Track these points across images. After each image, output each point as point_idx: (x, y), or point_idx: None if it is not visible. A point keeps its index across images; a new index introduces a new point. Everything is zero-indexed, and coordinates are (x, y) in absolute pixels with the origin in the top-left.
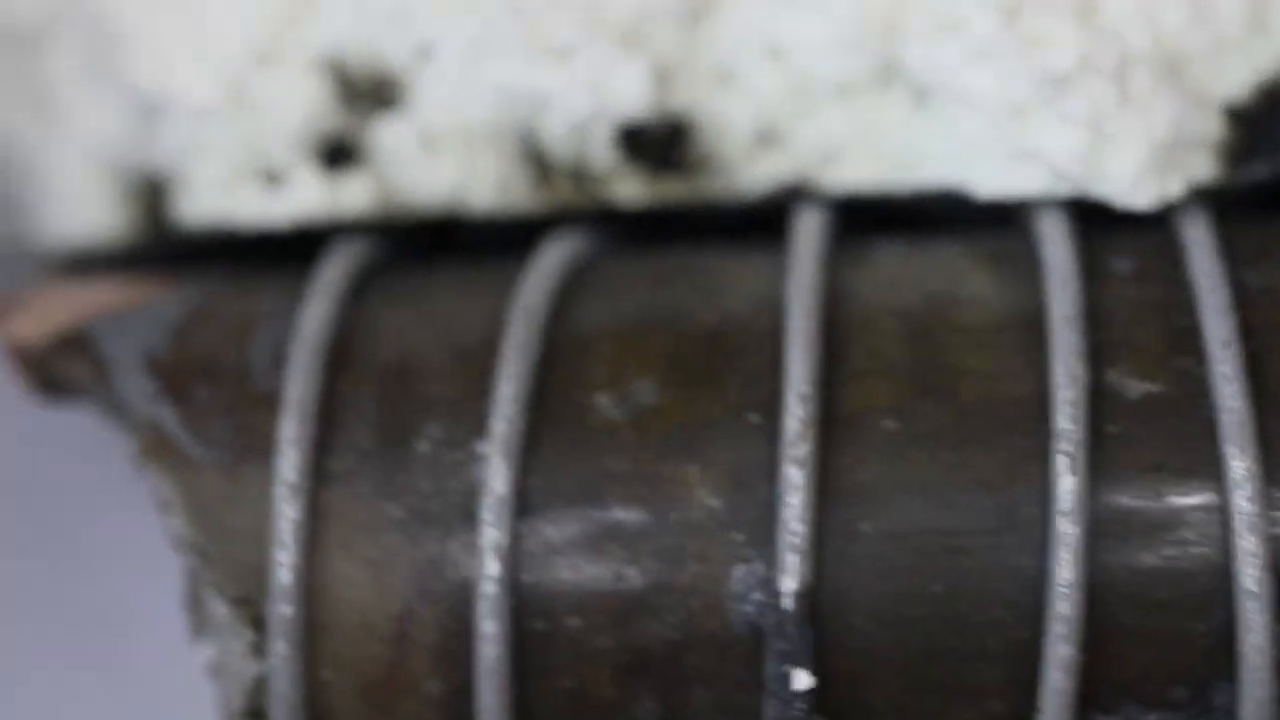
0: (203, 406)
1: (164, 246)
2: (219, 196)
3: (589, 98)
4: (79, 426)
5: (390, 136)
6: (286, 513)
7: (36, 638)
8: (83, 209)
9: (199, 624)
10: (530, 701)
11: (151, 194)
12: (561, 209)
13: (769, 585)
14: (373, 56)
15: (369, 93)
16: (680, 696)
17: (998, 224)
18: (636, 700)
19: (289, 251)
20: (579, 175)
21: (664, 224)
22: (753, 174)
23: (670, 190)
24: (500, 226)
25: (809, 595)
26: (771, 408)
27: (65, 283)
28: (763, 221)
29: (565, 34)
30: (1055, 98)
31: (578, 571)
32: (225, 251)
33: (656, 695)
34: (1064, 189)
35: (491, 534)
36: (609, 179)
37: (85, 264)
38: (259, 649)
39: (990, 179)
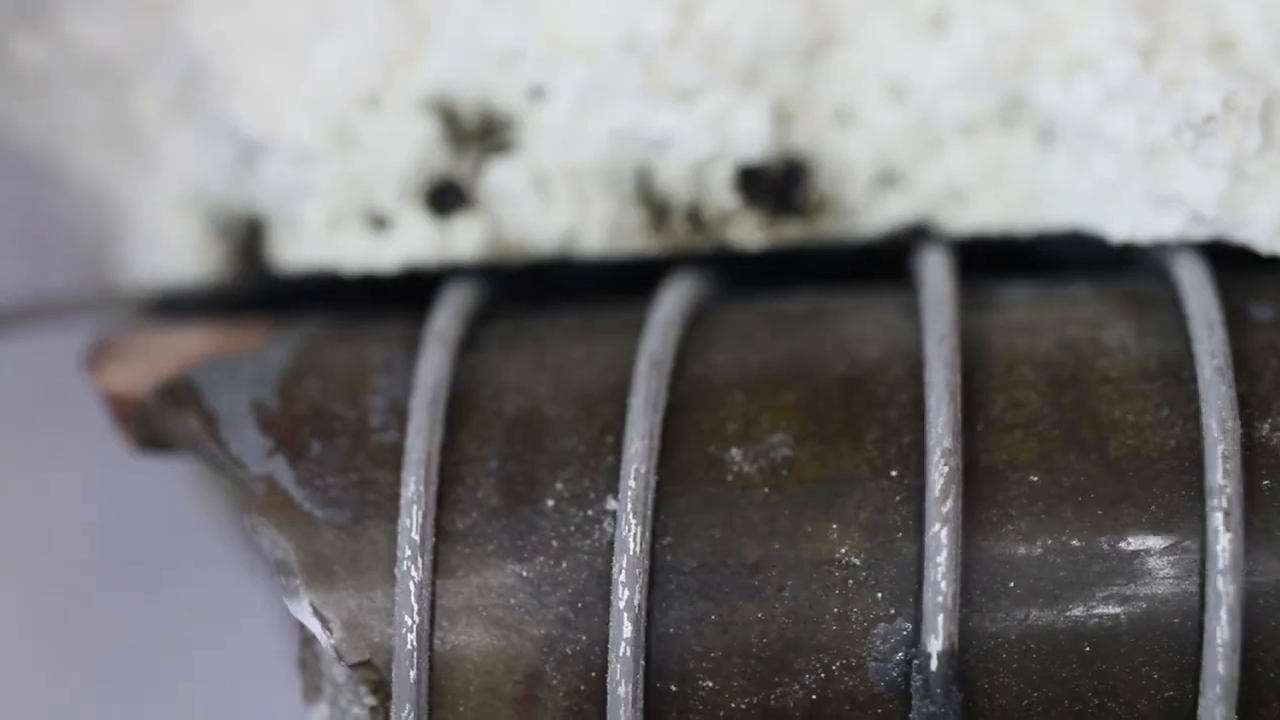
0: (319, 462)
1: (260, 289)
2: (322, 240)
3: (709, 139)
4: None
5: (501, 178)
6: (411, 573)
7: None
8: (174, 250)
9: (312, 687)
10: None
11: (247, 235)
12: (675, 251)
13: (913, 645)
14: (483, 98)
15: (478, 134)
16: None
17: (1121, 264)
18: None
19: (389, 293)
20: (696, 218)
21: (776, 263)
22: (874, 215)
23: (789, 232)
24: (608, 267)
25: (956, 656)
26: (912, 461)
27: (156, 326)
28: (876, 260)
29: (685, 75)
30: (1197, 141)
31: (712, 632)
32: (322, 294)
33: None
34: (1202, 233)
35: (625, 595)
36: (727, 221)
37: (175, 306)
38: (381, 714)
39: (1125, 222)
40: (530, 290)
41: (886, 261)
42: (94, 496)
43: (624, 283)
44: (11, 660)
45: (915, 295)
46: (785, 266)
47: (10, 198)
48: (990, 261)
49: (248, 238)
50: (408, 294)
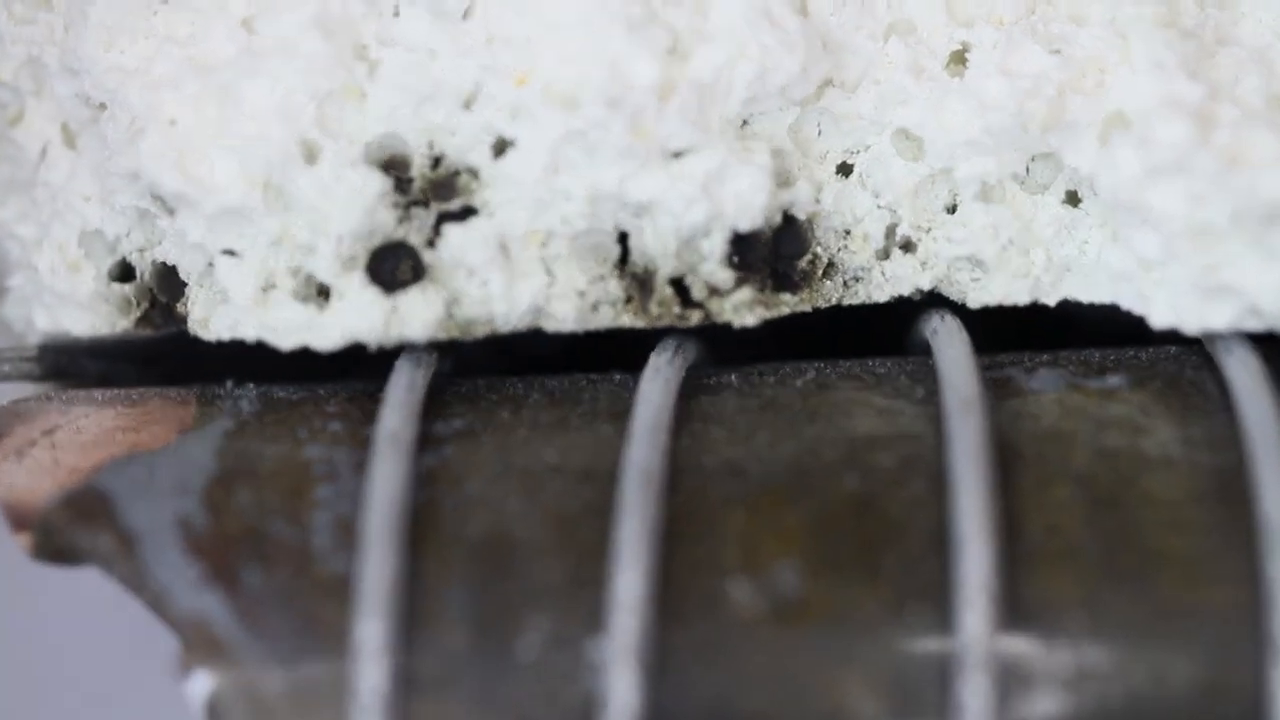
0: (257, 596)
1: (173, 346)
2: (252, 309)
3: (700, 205)
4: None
5: (458, 244)
6: None
7: None
8: (74, 303)
9: None
10: None
11: (161, 293)
12: (651, 326)
13: None
14: (437, 148)
15: (432, 191)
16: None
17: (1150, 336)
18: None
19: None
20: (683, 292)
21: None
22: (882, 282)
23: (787, 305)
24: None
25: None
26: (938, 597)
27: (58, 399)
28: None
29: (675, 130)
30: (1262, 229)
31: None
32: (241, 350)
33: None
34: (1256, 325)
35: None
36: (718, 297)
37: (76, 364)
38: None
39: (1167, 307)
40: (485, 352)
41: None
42: None
43: (593, 338)
44: None
45: (930, 382)
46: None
47: None
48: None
49: (161, 293)
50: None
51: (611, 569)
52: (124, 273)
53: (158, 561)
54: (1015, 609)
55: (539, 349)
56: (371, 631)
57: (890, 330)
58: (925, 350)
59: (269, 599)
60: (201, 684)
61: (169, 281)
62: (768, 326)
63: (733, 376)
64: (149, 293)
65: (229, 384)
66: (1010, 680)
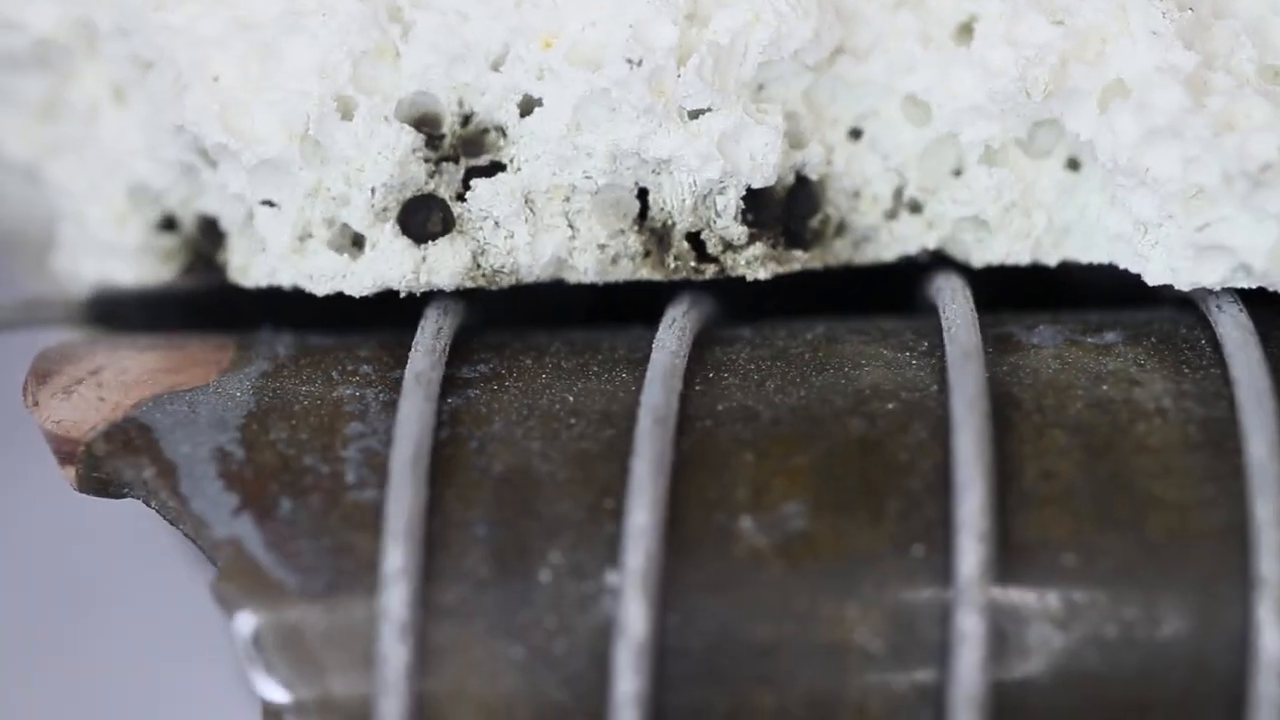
0: (290, 523)
1: (214, 297)
2: (288, 256)
3: (717, 162)
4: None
5: (486, 197)
6: (394, 654)
7: None
8: (121, 253)
9: None
10: None
11: (202, 242)
12: (668, 279)
13: None
14: (467, 106)
15: (461, 147)
16: None
17: (1147, 299)
18: None
19: (354, 303)
20: (699, 246)
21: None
22: (890, 242)
23: (798, 261)
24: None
25: None
26: (938, 538)
27: (103, 341)
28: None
29: (693, 91)
30: (1251, 190)
31: None
32: (280, 302)
33: None
34: (1247, 283)
35: (627, 682)
36: (733, 251)
37: (121, 315)
38: None
39: (1162, 265)
40: (510, 307)
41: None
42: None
43: (614, 297)
44: None
45: (935, 337)
46: (788, 283)
47: None
48: (1004, 279)
49: (202, 244)
50: (375, 302)
51: (625, 505)
52: (168, 224)
53: (196, 491)
54: (1010, 549)
55: (561, 305)
56: (395, 556)
57: (895, 297)
58: (930, 310)
59: (301, 526)
60: (235, 608)
61: (210, 232)
62: (780, 290)
63: (745, 330)
64: (191, 243)
65: (265, 331)
66: (1004, 617)
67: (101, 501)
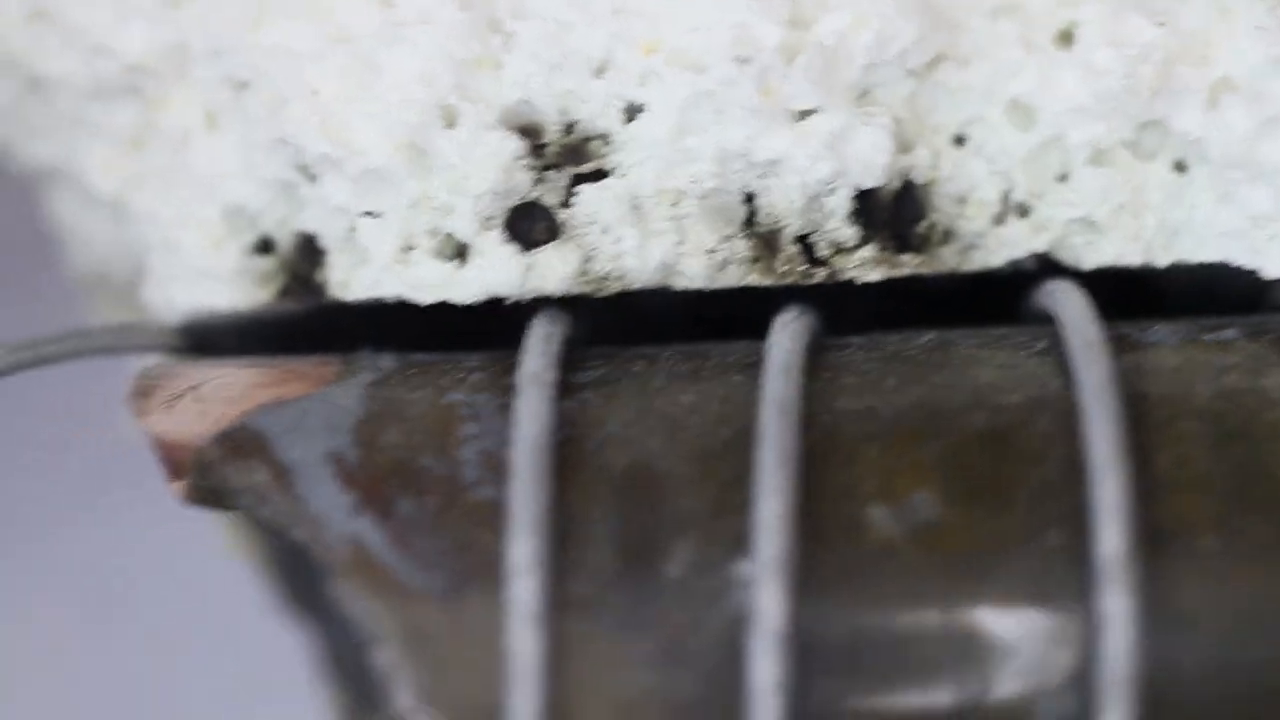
0: (409, 522)
1: (310, 324)
2: (392, 268)
3: (826, 162)
4: None
5: (592, 203)
6: (525, 647)
7: None
8: (216, 278)
9: None
10: None
11: (300, 263)
12: (776, 284)
13: None
14: (570, 114)
15: (565, 154)
16: None
17: (1252, 306)
18: None
19: (446, 330)
20: (808, 249)
21: (871, 297)
22: (998, 246)
23: (908, 265)
24: (688, 299)
25: None
26: (1074, 525)
27: (196, 362)
28: (975, 295)
29: (800, 92)
30: None
31: (860, 712)
32: (374, 331)
33: None
34: None
35: (767, 672)
36: (843, 254)
37: (215, 344)
38: None
39: None
40: (608, 325)
41: (988, 296)
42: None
43: (704, 317)
44: None
45: (1049, 339)
46: (883, 299)
47: (28, 224)
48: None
49: (299, 264)
50: (466, 330)
51: (753, 493)
52: (264, 246)
53: (312, 492)
54: (1149, 534)
55: (659, 329)
56: (523, 549)
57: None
58: (1037, 320)
59: (422, 524)
60: (356, 608)
61: (308, 252)
62: (878, 318)
63: (854, 339)
64: (288, 264)
65: (366, 352)
66: (1149, 599)
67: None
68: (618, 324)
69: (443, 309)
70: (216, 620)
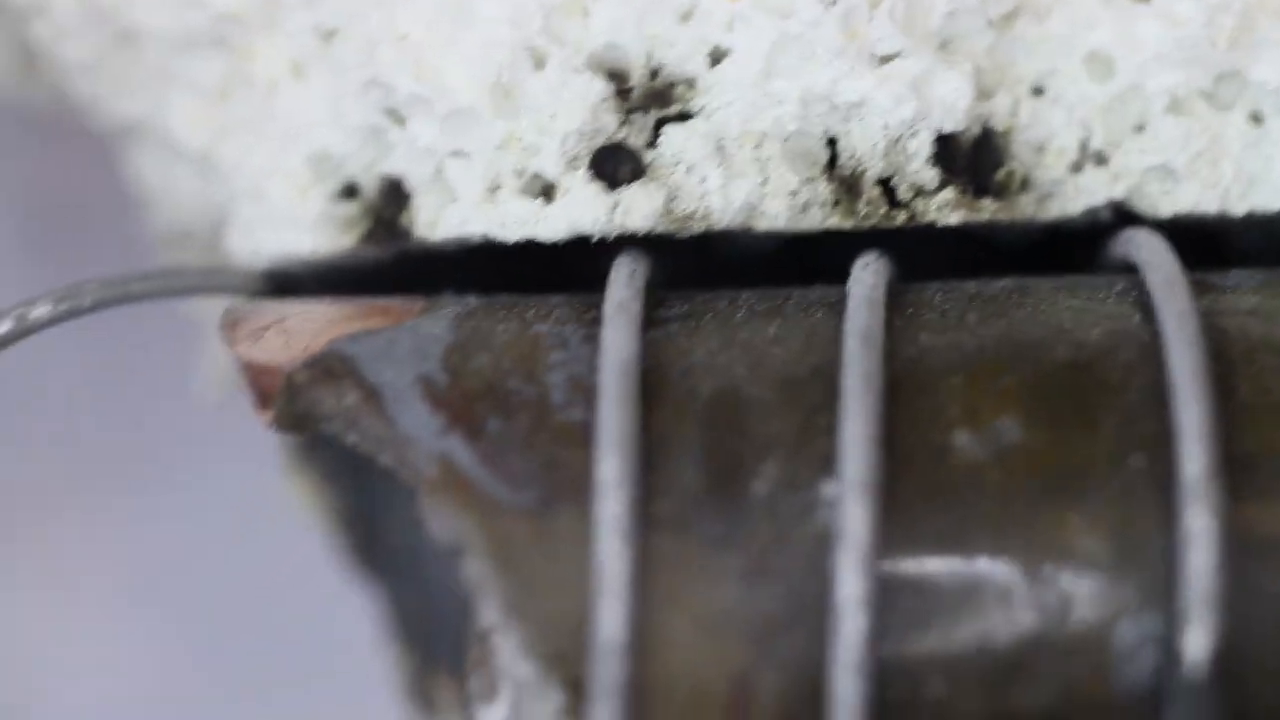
0: (499, 441)
1: (392, 268)
2: (479, 208)
3: (909, 106)
4: None
5: (677, 144)
6: (613, 561)
7: None
8: (301, 224)
9: (487, 687)
10: None
11: (385, 205)
12: (857, 227)
13: (1166, 645)
14: (657, 57)
15: (651, 96)
16: None
17: None
18: None
19: (525, 277)
20: (889, 192)
21: (942, 245)
22: (1075, 194)
23: (987, 210)
24: (762, 247)
25: (1219, 659)
26: (1157, 450)
27: (281, 301)
28: (1047, 249)
29: (884, 36)
30: None
31: (943, 630)
32: (458, 269)
33: None
34: None
35: (852, 586)
36: (923, 197)
37: (299, 288)
38: (572, 713)
39: None
40: (687, 272)
41: (1062, 251)
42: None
43: (782, 267)
44: None
45: (1128, 281)
46: (956, 254)
47: (112, 173)
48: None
49: (384, 209)
50: (545, 282)
51: (839, 416)
52: (349, 192)
53: (402, 413)
54: (1232, 459)
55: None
56: (612, 466)
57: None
58: (1114, 270)
59: (511, 443)
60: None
61: (393, 195)
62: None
63: (932, 283)
64: (373, 209)
65: (450, 294)
66: (1231, 521)
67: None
68: (697, 272)
69: (524, 258)
70: (274, 595)
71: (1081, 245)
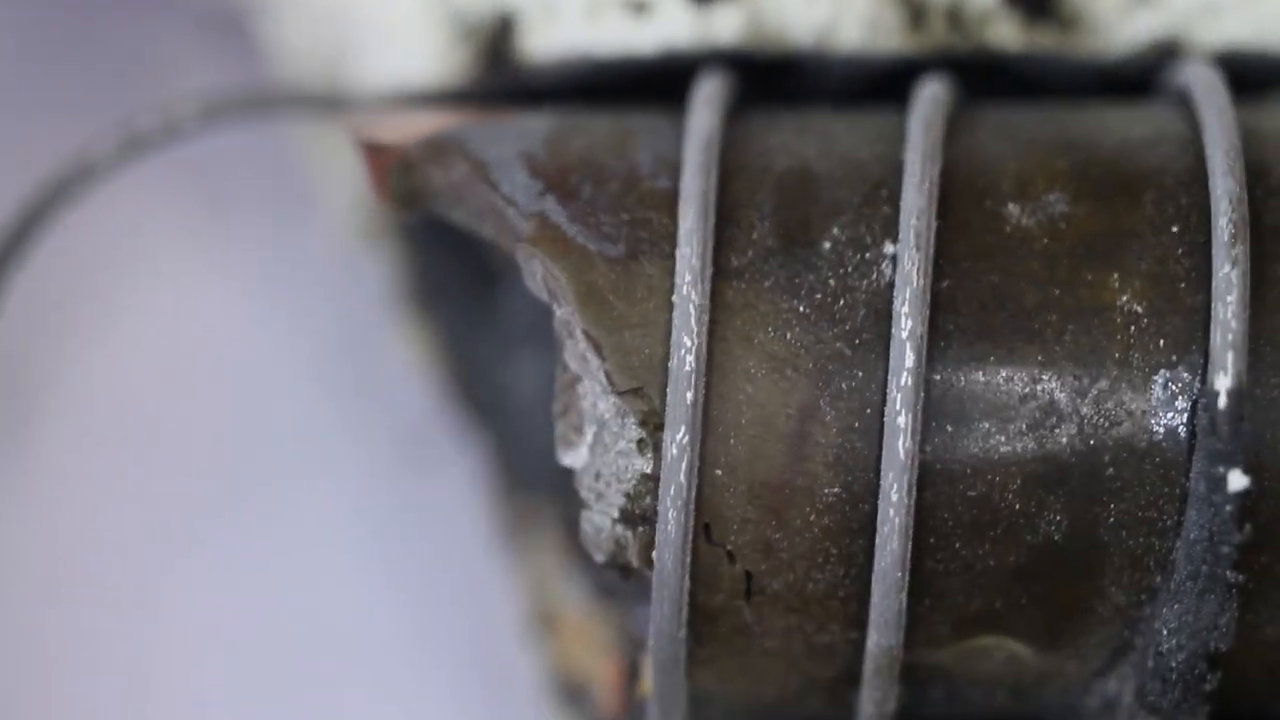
0: (591, 203)
1: (502, 87)
2: (580, 26)
3: None
4: None
5: None
6: (690, 297)
7: None
8: (414, 54)
9: (571, 430)
10: (932, 508)
11: (494, 32)
12: (930, 53)
13: (1197, 387)
14: None
15: None
16: (1089, 510)
17: None
18: (1043, 513)
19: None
20: (955, 17)
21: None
22: (1126, 30)
23: (1045, 39)
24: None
25: (1244, 395)
26: (1192, 221)
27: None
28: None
29: None
30: None
31: (991, 373)
32: (557, 95)
33: (1065, 508)
34: None
35: (908, 325)
36: (987, 21)
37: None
38: (649, 447)
39: None
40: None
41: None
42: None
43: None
44: None
45: (1174, 99)
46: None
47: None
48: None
49: (494, 35)
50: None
51: (901, 186)
52: (460, 17)
53: (503, 180)
54: (1260, 226)
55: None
56: (692, 219)
57: None
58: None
59: (602, 204)
60: (539, 271)
61: (500, 19)
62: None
63: (987, 103)
64: (482, 33)
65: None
66: (1256, 277)
67: None
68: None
69: (618, 92)
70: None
71: (1132, 90)
